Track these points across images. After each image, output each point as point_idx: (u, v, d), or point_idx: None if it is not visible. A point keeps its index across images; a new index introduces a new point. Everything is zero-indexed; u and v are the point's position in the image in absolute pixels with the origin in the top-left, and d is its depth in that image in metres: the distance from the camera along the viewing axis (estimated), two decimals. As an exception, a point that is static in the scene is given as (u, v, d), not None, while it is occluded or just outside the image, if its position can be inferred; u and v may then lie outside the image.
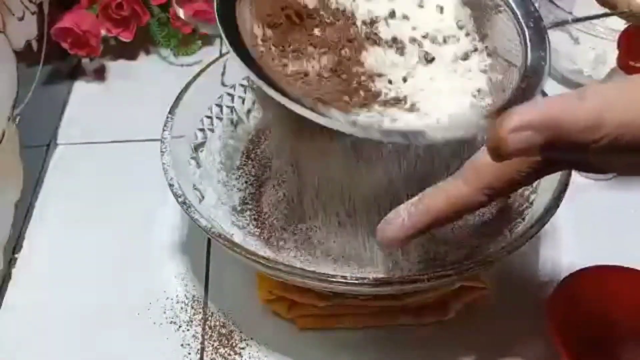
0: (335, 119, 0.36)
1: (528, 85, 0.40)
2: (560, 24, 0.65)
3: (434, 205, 0.36)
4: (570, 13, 0.66)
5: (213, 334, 0.48)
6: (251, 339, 0.48)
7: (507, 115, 0.30)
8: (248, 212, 0.50)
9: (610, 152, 0.29)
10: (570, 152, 0.30)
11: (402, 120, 0.38)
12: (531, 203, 0.47)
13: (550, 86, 0.52)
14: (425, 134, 0.35)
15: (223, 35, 0.38)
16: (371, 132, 0.35)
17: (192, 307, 0.50)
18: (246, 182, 0.52)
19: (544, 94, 0.49)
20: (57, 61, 0.66)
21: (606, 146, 0.29)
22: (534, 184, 0.49)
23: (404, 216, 0.37)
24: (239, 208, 0.50)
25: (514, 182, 0.35)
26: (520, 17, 0.44)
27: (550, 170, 0.35)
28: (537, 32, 0.43)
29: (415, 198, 0.37)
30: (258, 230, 0.48)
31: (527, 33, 0.43)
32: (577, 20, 0.62)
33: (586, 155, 0.30)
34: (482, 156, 0.35)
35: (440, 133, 0.36)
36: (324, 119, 0.36)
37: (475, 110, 0.39)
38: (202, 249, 0.54)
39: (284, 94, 0.36)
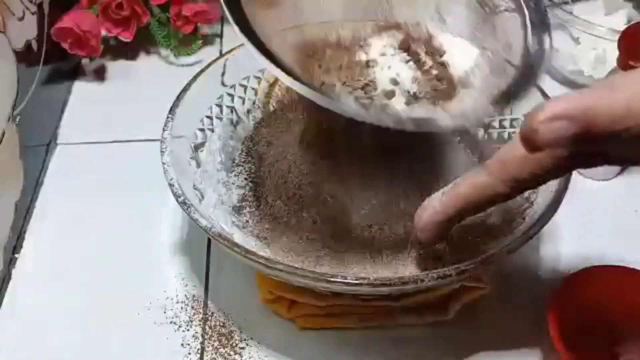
0: (345, 102, 0.37)
1: (530, 68, 0.40)
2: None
3: (462, 193, 0.38)
4: (571, 13, 0.67)
5: (213, 334, 0.48)
6: (251, 339, 0.48)
7: (540, 107, 0.31)
8: (247, 210, 0.50)
9: None
10: (601, 143, 0.31)
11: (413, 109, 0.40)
12: (531, 203, 0.47)
13: (551, 86, 0.52)
14: (437, 121, 0.37)
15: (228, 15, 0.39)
16: (384, 117, 0.37)
17: (192, 307, 0.50)
18: (246, 179, 0.52)
19: (544, 94, 0.49)
20: (57, 61, 0.66)
21: (637, 134, 0.30)
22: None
23: (435, 203, 0.39)
24: (238, 205, 0.50)
25: (537, 176, 0.35)
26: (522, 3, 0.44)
27: (575, 165, 0.36)
28: (537, 13, 0.44)
29: (448, 186, 0.39)
30: (257, 228, 0.48)
31: (527, 14, 0.44)
32: None
33: (617, 146, 0.31)
34: (508, 148, 0.36)
35: (451, 120, 0.38)
36: (333, 102, 0.37)
37: (482, 99, 0.40)
38: (202, 249, 0.54)
39: (291, 74, 0.37)
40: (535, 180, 0.36)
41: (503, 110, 0.41)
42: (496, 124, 0.55)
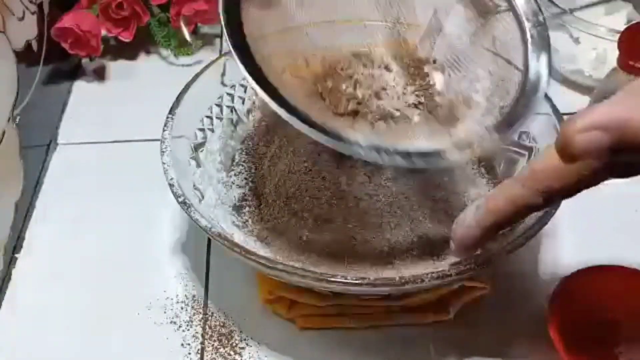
0: (355, 146, 0.38)
1: (530, 89, 0.40)
2: (559, 15, 0.66)
3: (495, 206, 0.38)
4: (571, 13, 0.67)
5: (213, 334, 0.48)
6: (251, 339, 0.48)
7: (574, 117, 0.30)
8: (247, 210, 0.50)
9: None
10: (637, 152, 0.31)
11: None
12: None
13: (551, 86, 0.52)
14: (444, 154, 0.38)
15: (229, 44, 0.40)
16: (393, 157, 0.38)
17: (192, 307, 0.50)
18: (246, 179, 0.52)
19: (549, 100, 0.49)
20: (57, 61, 0.66)
21: None
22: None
23: (470, 217, 0.39)
24: (238, 205, 0.50)
25: (570, 186, 0.35)
26: (522, 17, 0.44)
27: (608, 175, 0.35)
28: (540, 35, 0.43)
29: (481, 199, 0.39)
30: (257, 228, 0.48)
31: (528, 34, 0.44)
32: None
33: None
34: (541, 159, 0.36)
35: (457, 156, 0.39)
36: (345, 146, 0.38)
37: (484, 126, 0.41)
38: (202, 249, 0.54)
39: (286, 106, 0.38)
40: (571, 190, 0.36)
41: (506, 139, 0.42)
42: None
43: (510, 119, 0.42)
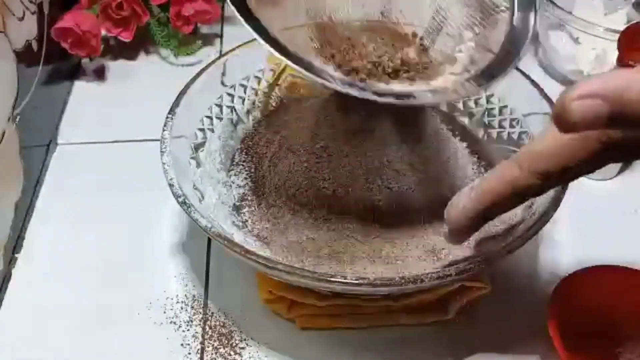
0: (331, 77, 0.39)
1: (513, 44, 0.41)
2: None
3: (490, 188, 0.37)
4: (570, 13, 0.67)
5: (213, 334, 0.48)
6: (251, 339, 0.48)
7: (573, 85, 0.30)
8: (247, 209, 0.50)
9: None
10: (635, 125, 0.30)
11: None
12: (531, 203, 0.47)
13: (551, 86, 0.52)
14: (415, 95, 0.39)
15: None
16: (366, 93, 0.39)
17: (192, 307, 0.50)
18: (246, 179, 0.52)
19: (548, 100, 0.49)
20: (57, 61, 0.66)
21: None
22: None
23: (465, 199, 0.38)
24: (238, 205, 0.50)
25: (568, 169, 0.34)
26: None
27: (607, 158, 0.34)
28: None
29: (476, 181, 0.38)
30: (257, 228, 0.48)
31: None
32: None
33: None
34: (539, 140, 0.35)
35: (429, 96, 0.39)
36: (319, 78, 0.39)
37: (465, 76, 0.42)
38: (202, 249, 0.54)
39: (284, 51, 0.39)
40: (568, 174, 0.34)
41: (485, 88, 0.42)
42: (495, 123, 0.55)
43: (495, 68, 0.42)
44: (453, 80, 0.42)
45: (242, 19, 0.40)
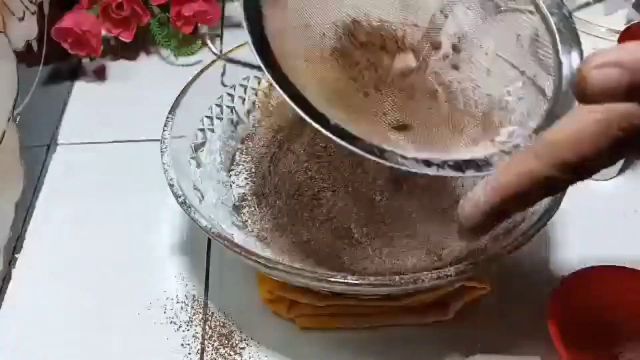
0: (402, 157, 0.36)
1: (566, 84, 0.40)
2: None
3: (506, 181, 0.34)
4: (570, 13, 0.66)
5: (213, 334, 0.48)
6: (251, 339, 0.48)
7: (593, 53, 0.29)
8: (247, 210, 0.50)
9: None
10: None
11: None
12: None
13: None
14: (493, 160, 0.37)
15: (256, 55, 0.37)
16: (435, 169, 0.36)
17: (192, 307, 0.50)
18: (246, 179, 0.52)
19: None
20: (57, 61, 0.66)
21: None
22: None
23: (479, 192, 0.35)
24: (238, 205, 0.50)
25: (589, 158, 0.32)
26: (544, 10, 0.43)
27: (627, 147, 0.32)
28: (567, 28, 0.42)
29: (493, 172, 0.36)
30: (257, 228, 0.48)
31: (554, 28, 0.42)
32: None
33: None
34: (557, 129, 0.33)
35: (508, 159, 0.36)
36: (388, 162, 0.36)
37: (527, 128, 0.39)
38: (202, 249, 0.54)
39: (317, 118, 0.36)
40: (588, 165, 0.32)
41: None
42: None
43: (551, 117, 0.40)
44: (519, 133, 0.40)
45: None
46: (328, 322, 0.48)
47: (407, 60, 0.44)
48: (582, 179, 0.34)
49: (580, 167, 0.32)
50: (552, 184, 0.33)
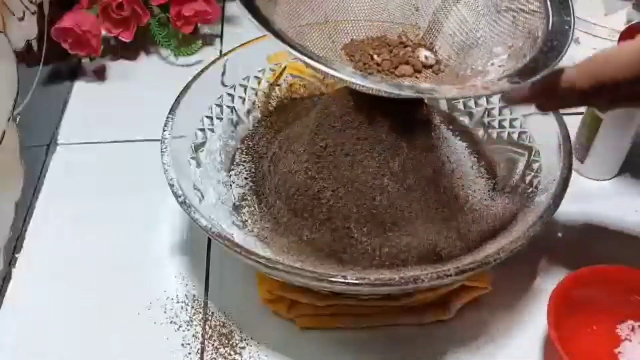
0: (347, 72, 0.39)
1: (552, 48, 0.42)
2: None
3: (549, 78, 0.40)
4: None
5: (213, 333, 0.48)
6: (251, 338, 0.48)
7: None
8: (247, 209, 0.50)
9: None
10: None
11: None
12: (531, 203, 0.47)
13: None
14: (437, 90, 0.40)
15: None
16: (383, 85, 0.40)
17: (192, 307, 0.50)
18: (246, 179, 0.52)
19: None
20: (57, 61, 0.66)
21: None
22: (534, 183, 0.49)
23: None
24: (238, 205, 0.50)
25: (617, 81, 0.38)
26: None
27: None
28: None
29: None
30: (257, 228, 0.48)
31: None
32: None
33: None
34: (599, 52, 0.39)
35: (454, 91, 0.41)
36: (336, 72, 0.39)
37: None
38: (202, 249, 0.54)
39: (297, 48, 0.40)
40: (617, 86, 0.38)
41: (527, 81, 0.42)
42: (495, 123, 0.55)
43: (534, 66, 0.42)
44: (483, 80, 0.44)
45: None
46: (328, 322, 0.48)
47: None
48: (608, 107, 0.45)
49: (609, 87, 0.38)
50: (581, 93, 0.39)
